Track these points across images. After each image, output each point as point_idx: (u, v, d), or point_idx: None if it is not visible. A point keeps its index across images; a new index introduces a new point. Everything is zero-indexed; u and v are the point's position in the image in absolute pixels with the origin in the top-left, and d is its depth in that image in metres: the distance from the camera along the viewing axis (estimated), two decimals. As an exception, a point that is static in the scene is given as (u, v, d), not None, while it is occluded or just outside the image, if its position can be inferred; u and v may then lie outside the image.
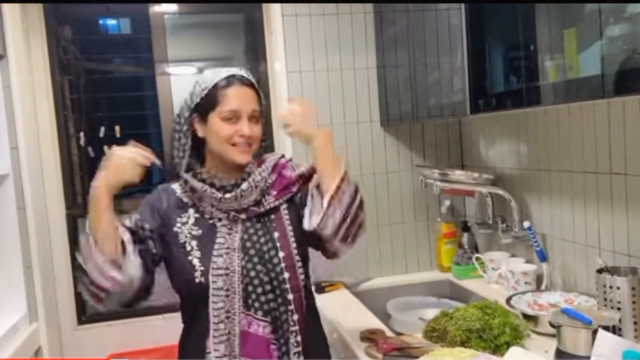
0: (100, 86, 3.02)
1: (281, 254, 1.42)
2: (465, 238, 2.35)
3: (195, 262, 1.39)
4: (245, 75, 1.45)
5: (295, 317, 1.40)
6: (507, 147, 2.15)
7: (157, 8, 2.77)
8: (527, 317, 1.63)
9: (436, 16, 1.85)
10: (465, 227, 2.37)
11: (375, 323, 1.86)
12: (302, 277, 1.45)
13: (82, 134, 2.75)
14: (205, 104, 1.43)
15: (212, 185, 1.42)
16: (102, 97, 2.98)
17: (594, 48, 1.22)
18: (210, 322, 1.37)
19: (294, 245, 1.45)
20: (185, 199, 1.47)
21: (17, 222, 2.11)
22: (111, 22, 3.16)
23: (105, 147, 2.81)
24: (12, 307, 2.10)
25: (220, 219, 1.43)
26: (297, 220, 1.47)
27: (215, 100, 1.41)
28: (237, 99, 1.41)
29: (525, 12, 1.48)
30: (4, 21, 2.10)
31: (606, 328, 1.30)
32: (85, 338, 2.64)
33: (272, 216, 1.46)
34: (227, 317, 1.36)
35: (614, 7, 1.16)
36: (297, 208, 1.49)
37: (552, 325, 1.40)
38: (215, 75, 1.44)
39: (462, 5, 1.66)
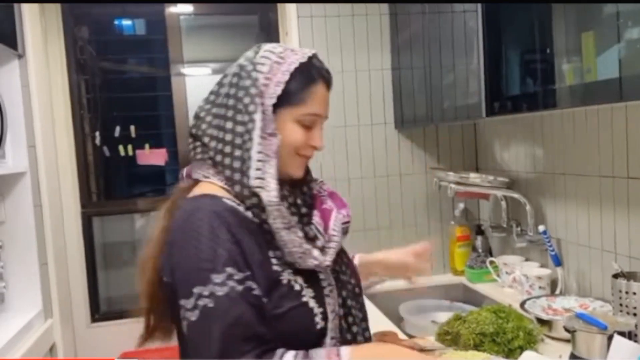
0: (116, 86, 3.05)
1: (354, 281, 1.19)
2: (479, 241, 2.34)
3: (313, 304, 1.05)
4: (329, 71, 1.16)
5: None
6: (523, 150, 2.14)
7: (173, 9, 2.80)
8: (541, 321, 1.61)
9: (452, 18, 1.84)
10: (479, 231, 2.36)
11: (387, 326, 1.85)
12: None
13: (97, 134, 2.78)
14: (283, 96, 1.07)
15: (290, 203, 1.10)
16: (118, 97, 3.02)
17: (612, 51, 1.21)
18: None
19: None
20: (261, 222, 1.05)
21: (34, 219, 2.13)
22: (126, 22, 3.19)
23: (120, 147, 2.85)
24: (28, 303, 2.12)
25: None
26: None
27: (297, 96, 1.08)
28: (323, 101, 1.12)
29: (542, 14, 1.47)
30: (23, 21, 2.13)
31: (622, 334, 1.29)
32: (99, 336, 2.66)
33: None
34: None
35: (632, 9, 1.15)
36: None
37: (566, 330, 1.39)
38: (298, 57, 1.10)
39: (479, 7, 1.65)
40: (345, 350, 0.98)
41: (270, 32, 2.79)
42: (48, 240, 2.23)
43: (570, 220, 1.89)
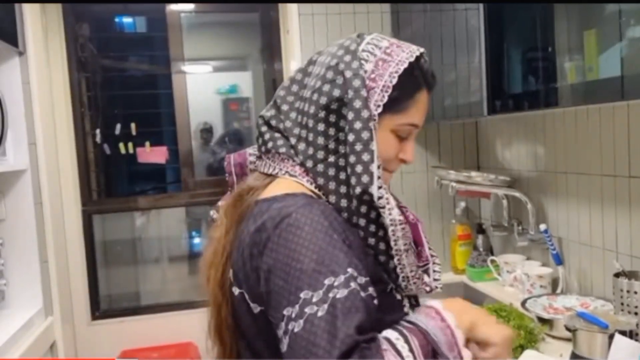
0: (117, 84, 3.05)
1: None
2: (480, 240, 2.33)
3: (407, 308, 0.99)
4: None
5: None
6: (524, 149, 2.14)
7: (174, 7, 2.79)
8: (542, 320, 1.61)
9: (454, 16, 1.84)
10: (480, 229, 2.36)
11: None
12: None
13: (98, 131, 2.78)
14: (388, 102, 0.93)
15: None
16: (119, 94, 3.02)
17: (614, 49, 1.21)
18: None
19: None
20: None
21: (35, 217, 2.13)
22: (127, 20, 3.19)
23: (121, 145, 2.85)
24: (29, 301, 2.11)
25: None
26: None
27: (400, 104, 0.95)
28: (424, 110, 1.00)
29: (544, 12, 1.47)
30: (24, 19, 2.13)
31: (623, 333, 1.29)
32: (99, 334, 2.66)
33: None
34: None
35: (634, 8, 1.14)
36: None
37: (567, 329, 1.39)
38: (406, 56, 0.95)
39: (481, 5, 1.65)
40: (436, 303, 0.88)
41: (271, 30, 2.78)
42: (48, 238, 2.23)
43: (571, 219, 1.89)
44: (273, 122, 0.99)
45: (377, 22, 2.42)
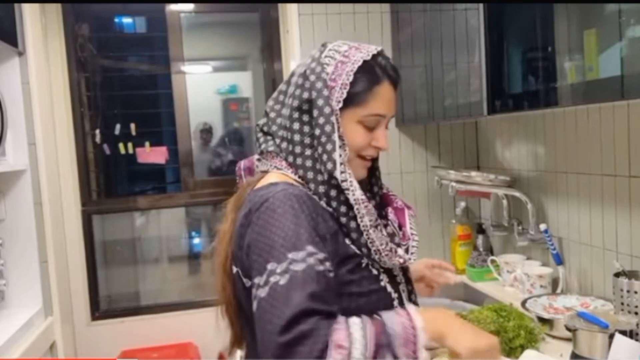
0: (116, 84, 3.05)
1: (411, 279, 1.26)
2: (480, 240, 2.33)
3: (390, 289, 1.12)
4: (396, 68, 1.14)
5: None
6: (524, 149, 2.14)
7: (173, 7, 2.79)
8: (542, 320, 1.61)
9: (454, 16, 1.83)
10: (480, 229, 2.35)
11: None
12: None
13: (97, 131, 2.78)
14: (346, 97, 1.07)
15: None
16: (118, 94, 3.02)
17: (614, 49, 1.21)
18: None
19: None
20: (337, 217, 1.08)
21: (34, 217, 2.13)
22: (127, 20, 3.19)
23: (121, 145, 2.85)
24: (28, 301, 2.12)
25: None
26: None
27: (360, 97, 1.07)
28: (388, 101, 1.11)
29: (544, 12, 1.47)
30: (24, 18, 2.13)
31: (623, 332, 1.28)
32: (99, 334, 2.66)
33: None
34: None
35: (634, 8, 1.14)
36: None
37: (568, 329, 1.39)
38: (362, 55, 1.09)
39: (480, 5, 1.64)
40: (412, 309, 0.97)
41: (270, 30, 2.79)
42: (48, 238, 2.23)
43: (571, 219, 1.89)
44: (265, 129, 1.16)
45: (376, 22, 2.42)
